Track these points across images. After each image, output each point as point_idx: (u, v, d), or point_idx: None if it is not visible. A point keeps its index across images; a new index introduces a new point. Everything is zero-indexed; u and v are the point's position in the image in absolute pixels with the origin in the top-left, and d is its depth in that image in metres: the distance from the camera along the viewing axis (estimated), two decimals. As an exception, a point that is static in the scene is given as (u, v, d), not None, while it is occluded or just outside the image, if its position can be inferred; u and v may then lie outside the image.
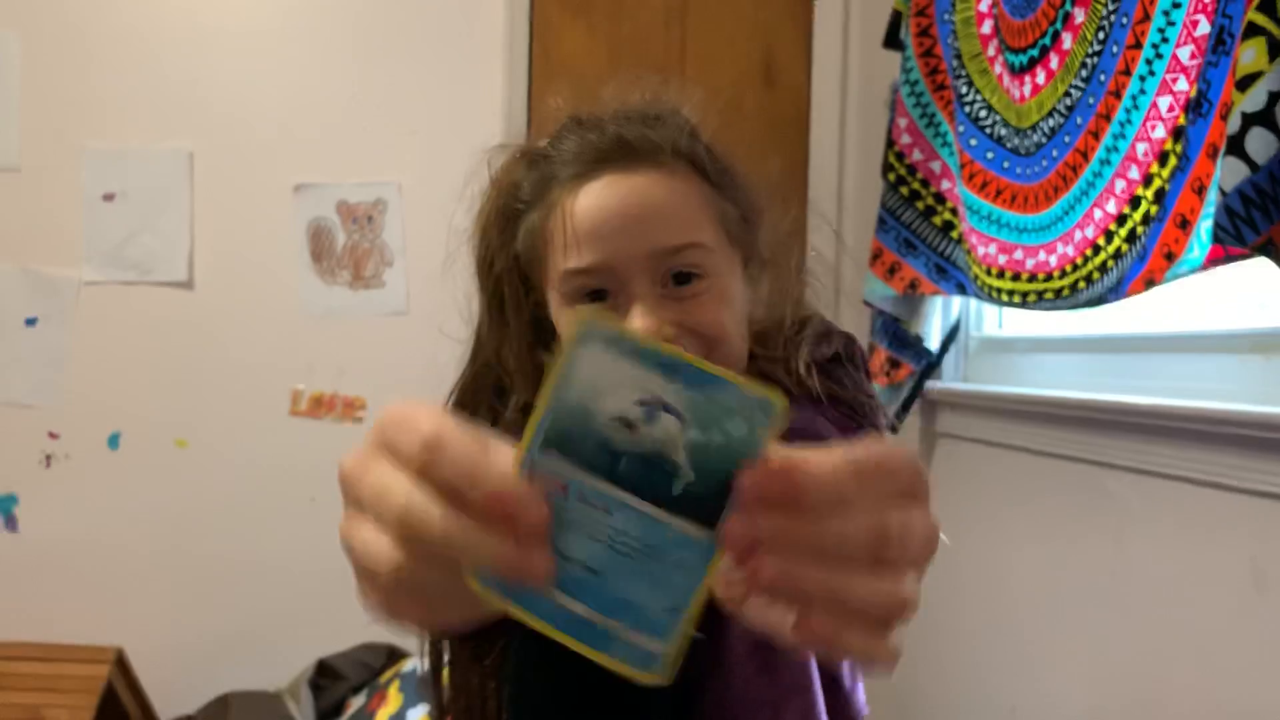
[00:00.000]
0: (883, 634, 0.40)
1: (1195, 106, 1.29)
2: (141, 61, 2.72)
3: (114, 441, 2.73)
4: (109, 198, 2.70)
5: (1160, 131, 1.41)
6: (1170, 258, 1.36)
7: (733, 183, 0.90)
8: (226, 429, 2.76)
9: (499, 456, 0.40)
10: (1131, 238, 1.45)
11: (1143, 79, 1.44)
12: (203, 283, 2.74)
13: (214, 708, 2.57)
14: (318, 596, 2.19)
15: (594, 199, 0.84)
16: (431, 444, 0.40)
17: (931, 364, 2.13)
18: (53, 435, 2.72)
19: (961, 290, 2.00)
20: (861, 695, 1.04)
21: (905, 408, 2.16)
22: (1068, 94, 1.61)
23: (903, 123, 2.13)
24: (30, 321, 2.69)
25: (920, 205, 2.09)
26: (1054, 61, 1.65)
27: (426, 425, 0.40)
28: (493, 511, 0.39)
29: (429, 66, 2.77)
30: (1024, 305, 1.73)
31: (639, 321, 0.82)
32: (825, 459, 0.39)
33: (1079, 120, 1.58)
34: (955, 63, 1.95)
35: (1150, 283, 1.40)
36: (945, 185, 2.04)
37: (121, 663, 2.57)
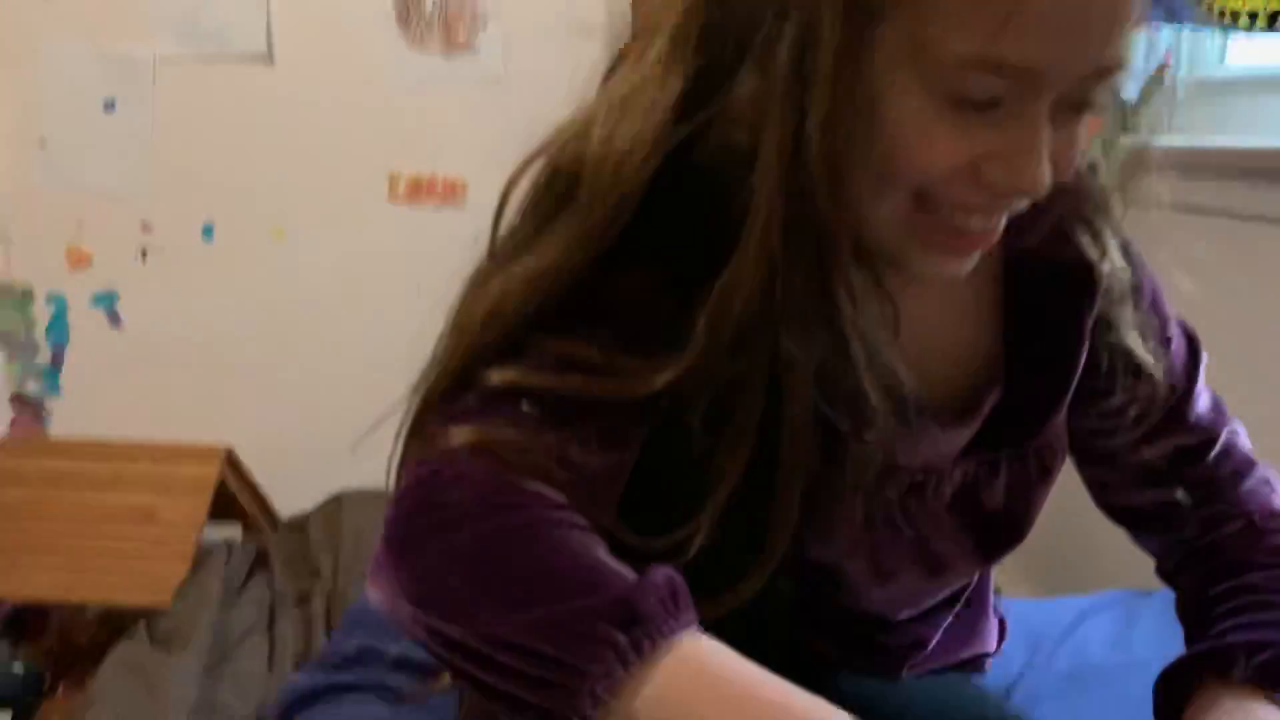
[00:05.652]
0: None
1: None
2: None
3: (209, 233, 2.58)
4: (175, -39, 2.44)
5: None
6: None
7: None
8: (324, 218, 2.57)
9: None
10: None
11: None
12: (283, 56, 2.49)
13: (329, 507, 2.50)
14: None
15: None
16: None
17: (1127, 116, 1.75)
18: (146, 228, 2.57)
19: (1171, 17, 1.60)
20: None
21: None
22: None
23: None
24: (109, 105, 2.51)
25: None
26: None
27: None
28: None
29: None
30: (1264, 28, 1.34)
31: (1038, 166, 0.61)
32: None
33: None
34: None
35: None
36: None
37: (233, 461, 2.50)
